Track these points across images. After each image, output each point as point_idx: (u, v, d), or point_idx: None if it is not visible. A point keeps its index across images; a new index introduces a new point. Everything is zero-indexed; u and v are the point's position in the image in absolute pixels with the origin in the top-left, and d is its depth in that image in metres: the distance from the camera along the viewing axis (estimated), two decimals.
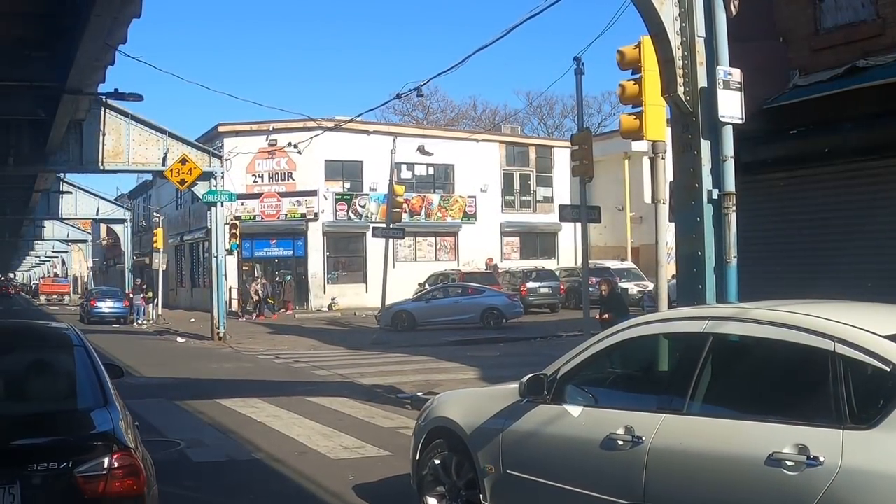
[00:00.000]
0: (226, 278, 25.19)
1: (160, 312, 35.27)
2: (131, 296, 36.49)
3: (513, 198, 43.85)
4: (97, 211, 43.41)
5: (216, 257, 24.55)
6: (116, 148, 23.48)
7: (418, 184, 40.72)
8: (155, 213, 36.35)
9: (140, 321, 34.71)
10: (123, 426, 4.42)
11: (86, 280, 79.16)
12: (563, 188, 45.37)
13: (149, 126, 23.91)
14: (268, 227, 37.56)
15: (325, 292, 37.63)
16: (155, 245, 35.21)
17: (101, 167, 23.38)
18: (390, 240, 24.75)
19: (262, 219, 37.49)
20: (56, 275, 75.47)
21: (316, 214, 37.49)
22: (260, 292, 35.33)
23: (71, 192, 41.08)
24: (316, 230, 37.72)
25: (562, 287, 34.57)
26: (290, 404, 12.29)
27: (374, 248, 38.69)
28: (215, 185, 24.51)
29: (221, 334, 24.21)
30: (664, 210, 9.05)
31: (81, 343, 5.20)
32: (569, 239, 45.55)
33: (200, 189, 24.56)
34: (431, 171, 41.02)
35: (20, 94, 17.65)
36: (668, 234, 36.93)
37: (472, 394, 6.34)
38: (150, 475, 4.37)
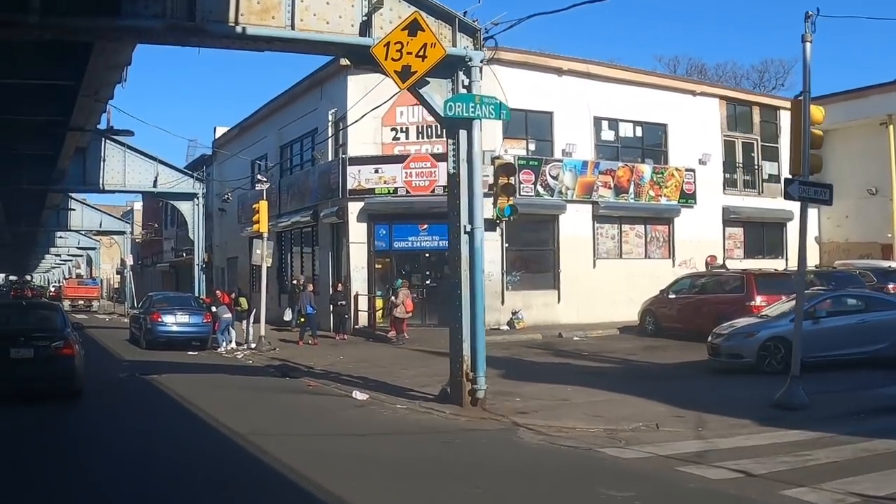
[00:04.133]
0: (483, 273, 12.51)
1: (263, 333, 22.76)
2: (213, 308, 23.87)
3: (735, 176, 31.28)
4: (155, 182, 30.49)
5: (468, 232, 12.12)
6: None
7: (623, 149, 28.24)
8: (259, 177, 23.31)
9: (227, 345, 22.42)
10: (70, 333, 13.59)
11: (117, 285, 66.69)
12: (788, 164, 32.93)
13: None
14: (414, 206, 24.99)
15: (503, 302, 24.88)
16: (256, 227, 22.67)
17: None
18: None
19: (408, 192, 25.04)
20: (81, 276, 62.89)
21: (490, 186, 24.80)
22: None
23: (119, 151, 28.37)
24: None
25: None
26: None
27: (572, 237, 26.39)
28: (468, 87, 12.04)
29: (480, 394, 11.72)
30: None
31: (60, 309, 15.56)
32: (797, 231, 33.06)
33: (436, 96, 12.06)
34: (640, 132, 28.46)
35: None
36: None
37: None
38: (79, 351, 13.37)
